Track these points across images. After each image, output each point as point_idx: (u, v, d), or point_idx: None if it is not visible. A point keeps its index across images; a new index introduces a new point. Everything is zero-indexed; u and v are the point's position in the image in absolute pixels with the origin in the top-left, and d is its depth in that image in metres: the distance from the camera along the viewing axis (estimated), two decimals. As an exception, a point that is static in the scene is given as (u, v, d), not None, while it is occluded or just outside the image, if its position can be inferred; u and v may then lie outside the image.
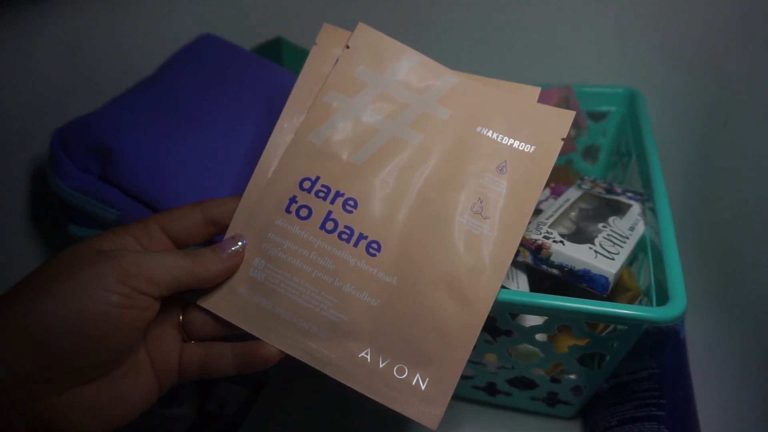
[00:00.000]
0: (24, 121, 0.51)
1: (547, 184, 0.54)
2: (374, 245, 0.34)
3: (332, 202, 0.34)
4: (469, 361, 0.45)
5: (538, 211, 0.49)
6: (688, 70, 0.59)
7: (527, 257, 0.42)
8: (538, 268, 0.42)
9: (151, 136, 0.45)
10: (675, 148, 0.58)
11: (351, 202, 0.34)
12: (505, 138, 0.35)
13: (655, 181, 0.44)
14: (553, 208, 0.47)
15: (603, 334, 0.40)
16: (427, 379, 0.32)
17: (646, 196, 0.46)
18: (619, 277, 0.42)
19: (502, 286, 0.41)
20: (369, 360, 0.32)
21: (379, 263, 0.33)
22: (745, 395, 0.46)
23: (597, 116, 0.60)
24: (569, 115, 0.35)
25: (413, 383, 0.32)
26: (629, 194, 0.49)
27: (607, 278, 0.40)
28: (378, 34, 0.37)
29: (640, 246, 0.44)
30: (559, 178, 0.56)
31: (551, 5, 0.60)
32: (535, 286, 0.44)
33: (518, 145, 0.35)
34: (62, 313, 0.26)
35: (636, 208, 0.47)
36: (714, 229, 0.55)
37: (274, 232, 0.34)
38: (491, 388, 0.49)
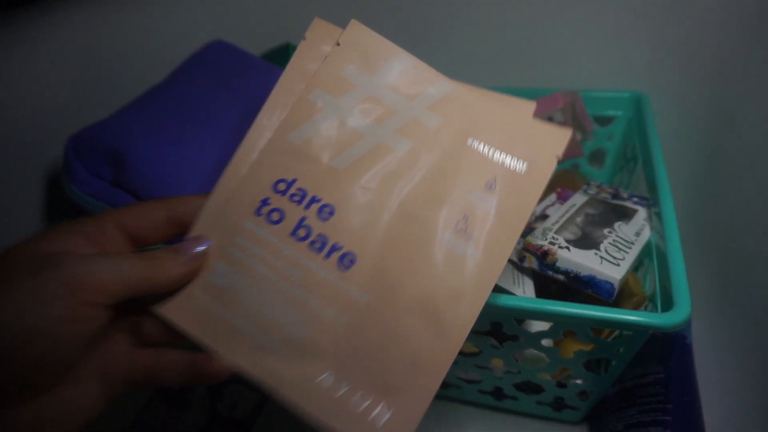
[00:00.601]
0: (37, 129, 0.51)
1: (554, 189, 0.54)
2: (348, 257, 0.31)
3: (307, 207, 0.32)
4: (476, 366, 0.45)
5: (544, 217, 0.49)
6: (693, 73, 0.59)
7: (533, 263, 0.43)
8: (544, 274, 0.43)
9: (161, 143, 0.46)
10: (680, 151, 0.58)
11: (327, 209, 0.32)
12: (497, 152, 0.33)
13: (661, 185, 0.44)
14: (559, 213, 0.47)
15: (608, 339, 0.40)
16: (391, 411, 0.29)
17: (651, 201, 0.46)
18: (624, 282, 0.42)
19: (509, 292, 0.42)
20: (328, 384, 0.29)
21: (352, 278, 0.31)
22: (750, 400, 0.46)
23: (603, 120, 0.60)
24: (566, 134, 0.33)
25: (373, 414, 0.29)
26: (635, 199, 0.49)
27: (612, 284, 0.40)
28: (371, 33, 0.35)
29: (646, 251, 0.44)
30: (566, 182, 0.56)
31: (554, 11, 0.60)
32: (541, 291, 0.44)
33: (510, 161, 0.32)
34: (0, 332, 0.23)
35: (642, 213, 0.47)
36: (720, 231, 0.55)
37: (242, 236, 0.31)
38: (498, 393, 0.49)
